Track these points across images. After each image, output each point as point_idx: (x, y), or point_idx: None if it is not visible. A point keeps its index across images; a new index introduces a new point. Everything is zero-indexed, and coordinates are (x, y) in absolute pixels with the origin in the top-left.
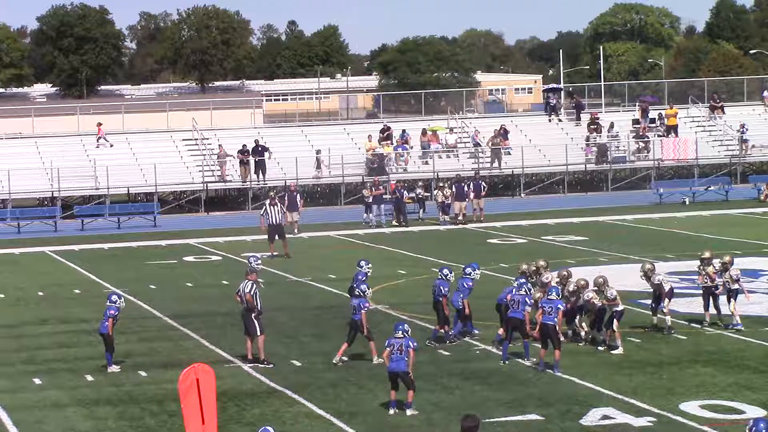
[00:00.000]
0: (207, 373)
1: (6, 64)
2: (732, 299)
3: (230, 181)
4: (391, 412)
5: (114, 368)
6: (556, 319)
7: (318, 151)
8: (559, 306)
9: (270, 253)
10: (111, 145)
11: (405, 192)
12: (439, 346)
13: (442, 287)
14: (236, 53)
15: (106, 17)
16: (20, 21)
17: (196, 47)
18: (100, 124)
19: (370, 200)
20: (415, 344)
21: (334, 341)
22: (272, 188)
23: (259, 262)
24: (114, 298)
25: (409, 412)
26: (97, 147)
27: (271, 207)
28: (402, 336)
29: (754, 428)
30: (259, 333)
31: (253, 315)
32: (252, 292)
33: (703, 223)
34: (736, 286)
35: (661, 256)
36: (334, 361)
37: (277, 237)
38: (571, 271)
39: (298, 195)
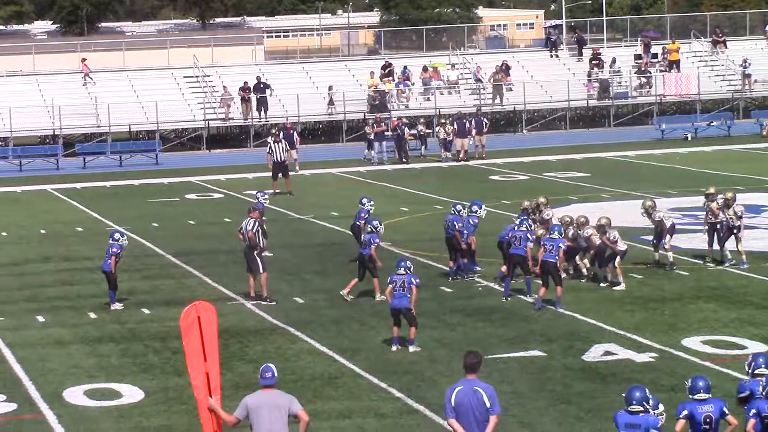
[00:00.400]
0: (208, 311)
1: (6, 2)
2: (737, 237)
3: (232, 119)
4: (394, 348)
5: (117, 306)
6: (557, 256)
7: (330, 88)
8: (561, 244)
9: (273, 191)
10: (94, 83)
11: (406, 129)
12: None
13: (455, 222)
14: None
15: None
16: None
17: None
18: (84, 60)
19: (372, 137)
20: (417, 281)
21: (336, 278)
22: (273, 125)
23: (266, 197)
24: (117, 235)
25: (411, 348)
26: (84, 85)
27: (276, 144)
28: (404, 272)
29: (753, 363)
30: (261, 270)
31: (255, 252)
32: (254, 230)
33: (706, 159)
34: (739, 222)
35: (663, 192)
36: (341, 293)
37: (280, 175)
38: (573, 218)
39: (295, 133)
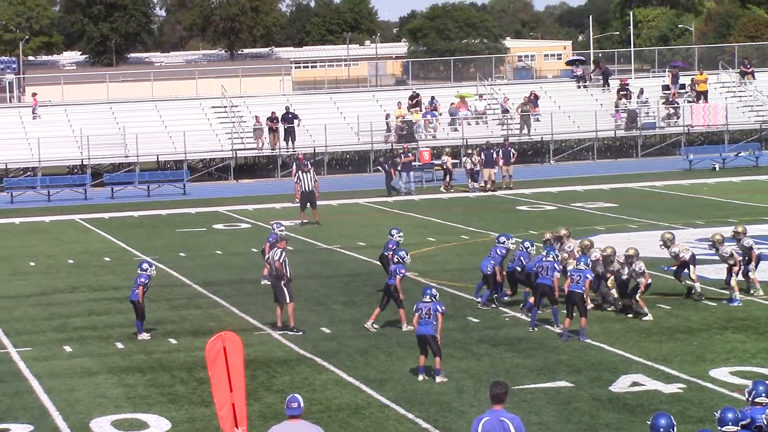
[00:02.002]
0: (234, 341)
1: (36, 32)
2: (752, 267)
3: (260, 149)
4: (420, 378)
5: (144, 336)
6: (583, 287)
7: (387, 116)
8: (588, 275)
9: (300, 221)
10: (39, 117)
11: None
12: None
13: (522, 258)
14: (265, 20)
15: None
16: None
17: (225, 14)
18: (34, 95)
19: (399, 168)
20: (443, 308)
21: (363, 308)
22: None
23: (282, 228)
24: (145, 266)
25: (438, 379)
26: (33, 119)
27: (304, 174)
28: (430, 300)
29: (753, 391)
30: (288, 300)
31: (282, 282)
32: (281, 260)
33: (734, 190)
34: (735, 257)
35: (690, 223)
36: (365, 326)
37: (308, 204)
38: (593, 241)
39: (309, 163)
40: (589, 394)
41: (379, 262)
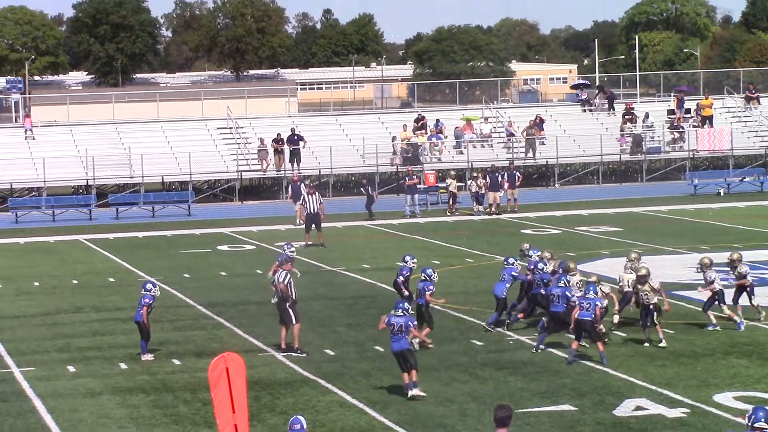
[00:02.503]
0: (236, 362)
1: (42, 52)
2: (748, 295)
3: (265, 170)
4: (410, 393)
5: (148, 357)
6: (593, 314)
7: (393, 138)
8: (597, 303)
9: (305, 242)
10: (33, 138)
11: (369, 188)
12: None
13: (543, 279)
14: (271, 42)
15: (142, 5)
16: (56, 9)
17: (231, 35)
18: (28, 116)
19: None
20: (414, 323)
21: (367, 330)
22: (307, 177)
23: (293, 249)
24: (149, 286)
25: (414, 392)
26: (25, 139)
27: (310, 196)
28: (402, 314)
29: (753, 416)
30: (294, 322)
31: (287, 304)
32: (286, 282)
33: (739, 215)
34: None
35: (695, 248)
36: (415, 342)
37: (313, 226)
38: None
39: (302, 185)
40: (593, 418)
41: (395, 290)
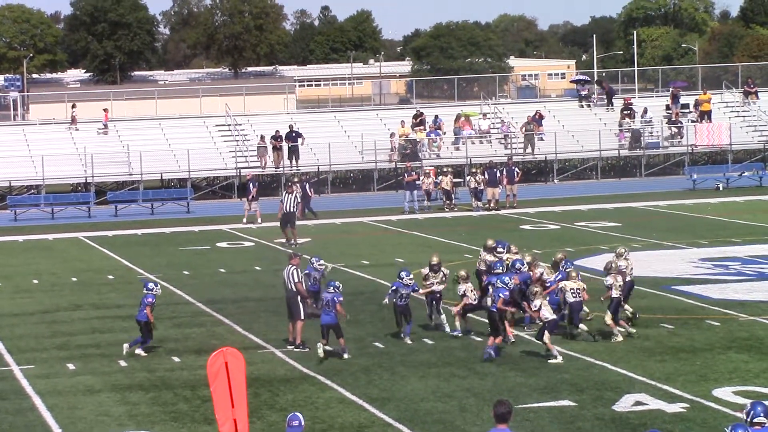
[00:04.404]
0: (236, 357)
1: (40, 50)
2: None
3: (264, 167)
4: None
5: (140, 351)
6: (497, 306)
7: (391, 134)
8: (501, 294)
9: (288, 240)
10: (106, 133)
11: (307, 186)
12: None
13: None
14: (269, 39)
15: (140, 2)
16: (54, 6)
17: (229, 32)
18: (106, 110)
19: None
20: (340, 299)
21: (366, 327)
22: (293, 175)
23: (322, 262)
24: (150, 285)
25: (346, 356)
26: (99, 134)
27: (288, 195)
28: (333, 291)
29: (752, 411)
30: (302, 317)
31: (299, 298)
32: (302, 281)
33: (737, 209)
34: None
35: (694, 243)
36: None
37: (288, 225)
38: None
39: (251, 184)
40: (592, 413)
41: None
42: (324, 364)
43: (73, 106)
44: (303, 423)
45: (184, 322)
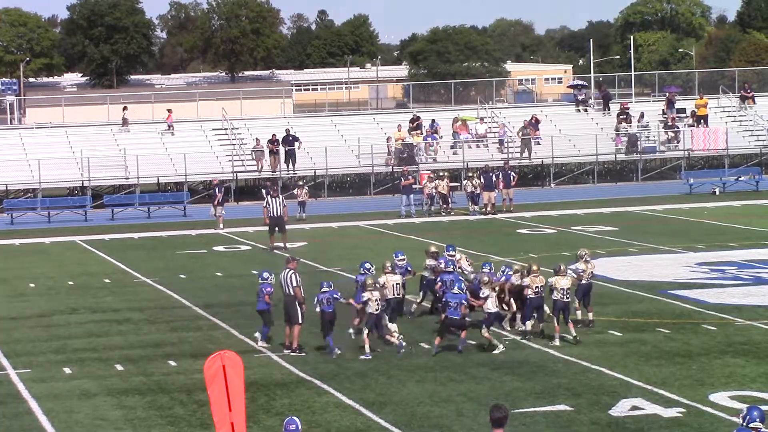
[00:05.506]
0: (233, 360)
1: (37, 54)
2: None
3: (260, 171)
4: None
5: (262, 344)
6: (460, 312)
7: (388, 138)
8: (462, 301)
9: (270, 245)
10: (173, 134)
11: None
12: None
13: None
14: (266, 43)
15: (137, 6)
16: (51, 10)
17: (226, 36)
18: (170, 110)
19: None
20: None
21: (363, 331)
22: (269, 180)
23: (371, 267)
24: (265, 275)
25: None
26: (161, 134)
27: (273, 199)
28: (327, 289)
29: (748, 416)
30: (301, 321)
31: (297, 302)
32: (299, 285)
33: (734, 214)
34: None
35: (690, 247)
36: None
37: (277, 229)
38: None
39: (217, 188)
40: (589, 418)
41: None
42: (320, 369)
43: (125, 108)
44: (300, 427)
45: (180, 326)
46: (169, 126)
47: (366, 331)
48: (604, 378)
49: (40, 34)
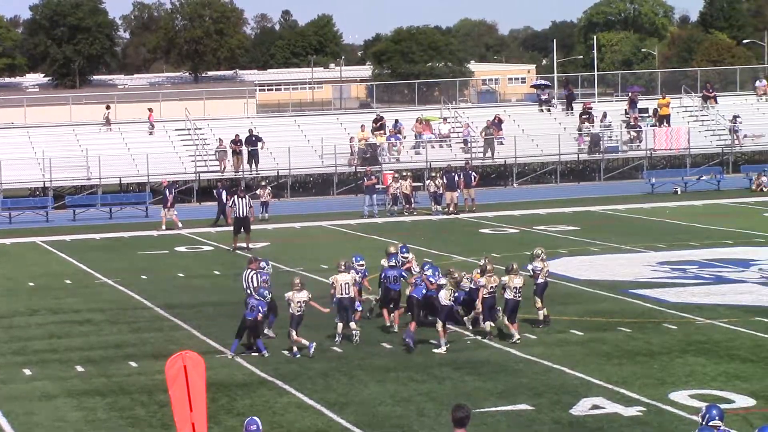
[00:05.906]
0: (195, 361)
1: None
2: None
3: (223, 171)
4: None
5: (270, 333)
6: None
7: (351, 139)
8: (403, 274)
9: (233, 246)
10: (152, 133)
11: (224, 192)
12: None
13: None
14: (230, 43)
15: (99, 6)
16: (13, 10)
17: (189, 37)
18: (151, 110)
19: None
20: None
21: (325, 331)
22: (231, 180)
23: (408, 252)
24: (262, 264)
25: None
26: (150, 134)
27: (240, 200)
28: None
29: (707, 415)
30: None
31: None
32: (261, 285)
33: (695, 213)
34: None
35: (652, 246)
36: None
37: (242, 230)
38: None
39: (167, 190)
40: (550, 417)
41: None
42: (281, 369)
43: (107, 107)
44: (261, 427)
45: (142, 326)
46: (151, 125)
47: (293, 332)
48: (565, 377)
49: (2, 34)
